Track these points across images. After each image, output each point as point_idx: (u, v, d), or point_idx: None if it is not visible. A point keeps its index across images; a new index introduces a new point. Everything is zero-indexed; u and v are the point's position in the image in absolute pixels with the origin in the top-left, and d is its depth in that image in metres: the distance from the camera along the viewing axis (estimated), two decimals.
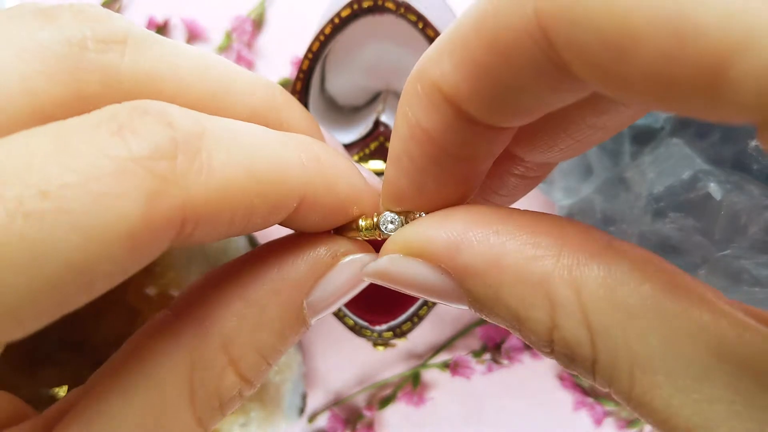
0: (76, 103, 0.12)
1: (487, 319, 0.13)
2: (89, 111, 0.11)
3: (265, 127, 0.14)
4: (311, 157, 0.14)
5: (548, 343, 0.12)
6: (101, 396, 0.13)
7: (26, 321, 0.10)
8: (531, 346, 0.13)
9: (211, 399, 0.14)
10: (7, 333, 0.10)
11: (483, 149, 0.13)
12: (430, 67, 0.12)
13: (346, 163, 0.15)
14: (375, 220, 0.15)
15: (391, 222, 0.15)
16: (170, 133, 0.11)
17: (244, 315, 0.14)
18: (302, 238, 0.15)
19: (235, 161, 0.12)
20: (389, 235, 0.15)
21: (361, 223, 0.15)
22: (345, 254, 0.15)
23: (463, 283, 0.13)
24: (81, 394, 0.14)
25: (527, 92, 0.11)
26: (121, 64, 0.13)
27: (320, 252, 0.15)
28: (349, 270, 0.15)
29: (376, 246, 0.16)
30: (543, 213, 0.13)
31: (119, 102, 0.12)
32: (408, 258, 0.14)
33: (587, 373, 0.12)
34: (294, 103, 0.17)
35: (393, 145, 0.14)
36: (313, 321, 0.15)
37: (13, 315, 0.10)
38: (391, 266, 0.14)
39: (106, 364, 0.14)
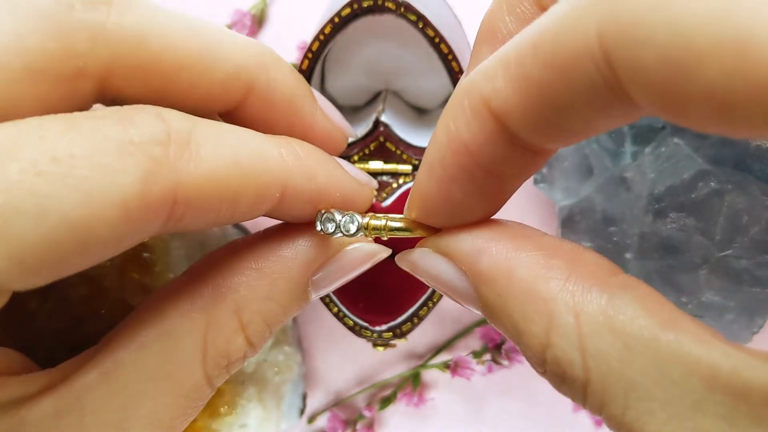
0: (67, 59, 0.13)
1: (495, 327, 0.14)
2: (79, 67, 0.13)
3: (248, 129, 0.15)
4: (290, 151, 0.15)
5: (542, 361, 0.13)
6: (119, 349, 0.14)
7: (29, 269, 0.11)
8: (528, 362, 0.13)
9: (220, 358, 0.15)
10: (11, 278, 0.11)
11: (515, 169, 0.13)
12: (481, 81, 0.12)
13: (324, 156, 0.16)
14: (340, 218, 0.16)
15: (349, 223, 0.16)
16: (164, 126, 0.13)
17: (258, 286, 0.15)
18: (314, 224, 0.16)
19: (221, 153, 0.13)
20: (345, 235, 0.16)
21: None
22: (351, 242, 0.17)
23: (477, 288, 0.14)
24: (95, 352, 0.15)
25: (577, 114, 0.11)
26: (106, 23, 0.14)
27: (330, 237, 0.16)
28: (353, 256, 0.17)
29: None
30: (564, 240, 0.14)
31: (107, 60, 0.13)
32: (436, 254, 0.15)
33: (578, 394, 0.12)
34: (284, 64, 0.17)
35: (428, 153, 0.14)
36: (313, 297, 0.16)
37: (19, 260, 0.11)
38: (421, 258, 0.15)
39: (120, 325, 0.15)
